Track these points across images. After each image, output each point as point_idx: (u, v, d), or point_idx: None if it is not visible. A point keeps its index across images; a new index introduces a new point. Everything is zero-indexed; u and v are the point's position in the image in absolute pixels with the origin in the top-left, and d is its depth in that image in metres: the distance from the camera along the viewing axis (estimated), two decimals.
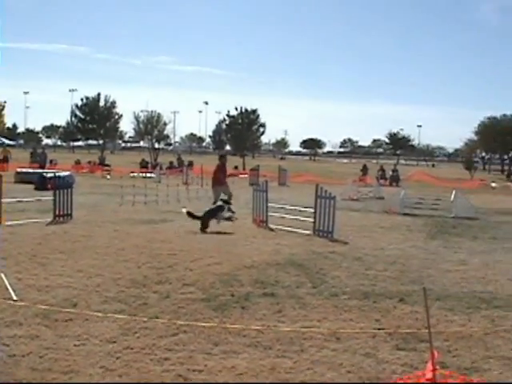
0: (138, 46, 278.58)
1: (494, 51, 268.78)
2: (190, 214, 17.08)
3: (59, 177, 23.77)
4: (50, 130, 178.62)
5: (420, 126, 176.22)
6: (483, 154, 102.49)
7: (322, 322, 8.06)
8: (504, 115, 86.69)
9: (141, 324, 7.67)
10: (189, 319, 7.95)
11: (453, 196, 23.05)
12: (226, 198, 19.05)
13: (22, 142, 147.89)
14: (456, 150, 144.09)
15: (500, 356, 6.90)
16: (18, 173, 34.92)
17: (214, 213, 17.00)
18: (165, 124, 79.56)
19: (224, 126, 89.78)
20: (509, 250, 14.74)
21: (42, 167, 41.69)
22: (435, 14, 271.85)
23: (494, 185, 48.32)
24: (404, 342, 7.33)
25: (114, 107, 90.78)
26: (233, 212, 18.00)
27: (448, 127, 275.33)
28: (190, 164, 53.53)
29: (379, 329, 7.85)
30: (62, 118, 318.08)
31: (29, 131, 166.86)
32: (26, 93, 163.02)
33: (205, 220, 16.47)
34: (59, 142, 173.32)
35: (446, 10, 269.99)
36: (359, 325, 8.01)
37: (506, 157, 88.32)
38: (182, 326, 7.62)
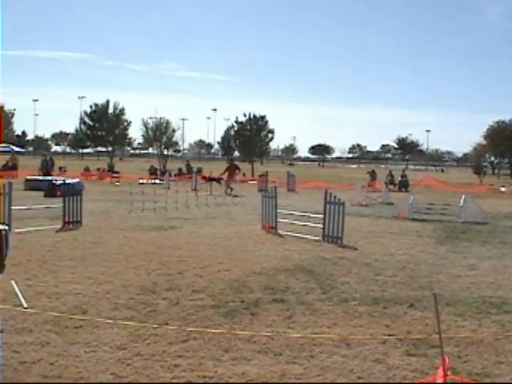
0: (143, 53, 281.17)
1: (502, 54, 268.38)
2: None
3: (68, 184, 23.91)
4: (59, 137, 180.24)
5: (429, 131, 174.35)
6: (492, 159, 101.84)
7: (332, 328, 8.03)
8: None
9: (151, 331, 7.67)
10: (199, 326, 7.95)
11: (462, 201, 22.86)
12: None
13: (31, 149, 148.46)
14: (465, 155, 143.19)
15: (511, 361, 6.86)
16: (27, 180, 34.83)
17: None
18: (173, 131, 79.24)
19: (232, 133, 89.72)
20: None
21: (47, 174, 41.37)
22: (442, 16, 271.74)
23: (503, 189, 47.68)
24: (414, 347, 7.30)
25: (122, 114, 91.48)
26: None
27: (457, 132, 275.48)
28: (199, 170, 53.29)
29: (389, 335, 7.82)
30: (71, 125, 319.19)
31: (38, 138, 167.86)
32: (35, 100, 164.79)
33: None
34: (68, 149, 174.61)
35: (452, 11, 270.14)
36: (369, 331, 7.99)
37: None
38: (191, 333, 7.61)
